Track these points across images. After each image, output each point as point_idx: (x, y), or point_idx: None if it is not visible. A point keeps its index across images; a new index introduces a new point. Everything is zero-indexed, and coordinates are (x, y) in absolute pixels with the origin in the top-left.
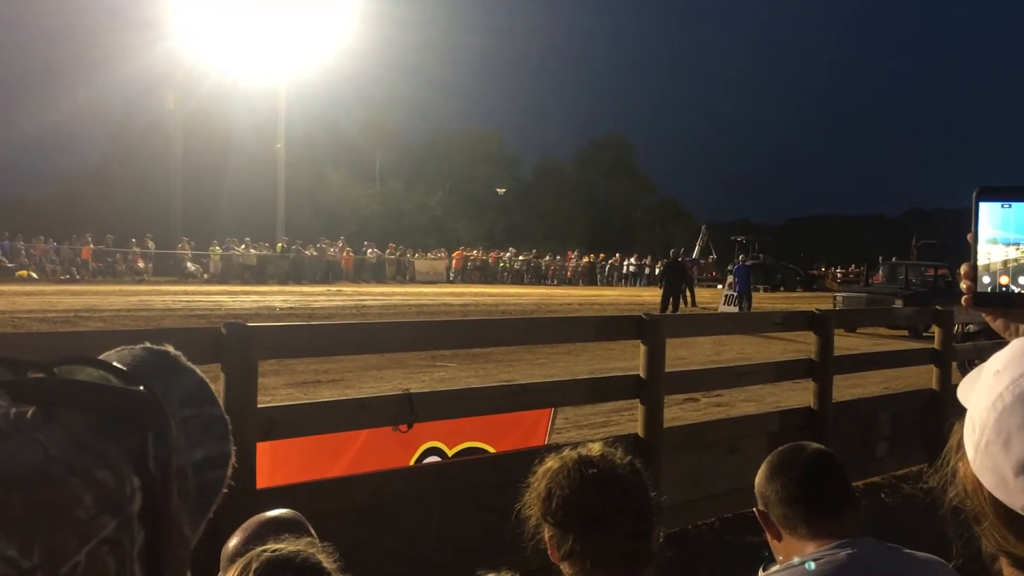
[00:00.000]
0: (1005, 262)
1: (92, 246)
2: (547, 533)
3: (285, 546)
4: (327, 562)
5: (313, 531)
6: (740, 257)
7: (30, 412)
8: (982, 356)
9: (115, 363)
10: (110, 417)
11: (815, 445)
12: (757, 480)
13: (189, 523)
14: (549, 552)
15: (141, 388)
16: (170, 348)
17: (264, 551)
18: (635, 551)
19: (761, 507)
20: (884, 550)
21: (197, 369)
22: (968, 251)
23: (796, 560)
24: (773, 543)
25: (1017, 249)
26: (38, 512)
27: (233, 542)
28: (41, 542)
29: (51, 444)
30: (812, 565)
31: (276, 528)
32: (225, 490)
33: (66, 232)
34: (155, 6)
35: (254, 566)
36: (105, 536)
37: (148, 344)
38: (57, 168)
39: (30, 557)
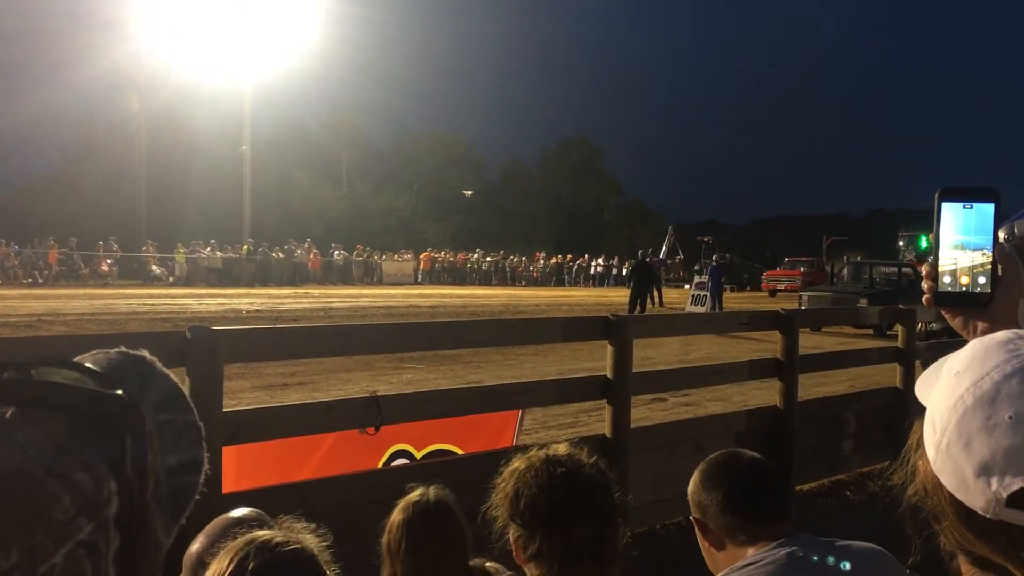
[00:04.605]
0: (971, 267)
1: (57, 249)
2: (513, 534)
3: (286, 537)
4: (319, 548)
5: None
6: (714, 257)
7: (9, 413)
8: (944, 354)
9: (91, 366)
10: (88, 420)
11: (750, 453)
12: (691, 488)
13: (163, 528)
14: (514, 553)
15: (119, 392)
16: (146, 353)
17: (263, 546)
18: (600, 551)
19: (697, 515)
20: (820, 544)
21: (172, 375)
22: (894, 248)
23: (751, 558)
24: (710, 551)
25: (983, 255)
26: (16, 512)
27: (196, 546)
28: (19, 543)
29: (30, 445)
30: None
31: (241, 528)
32: (197, 496)
33: (28, 235)
34: (119, 7)
35: (251, 564)
36: (82, 539)
37: (123, 348)
38: (19, 170)
39: (8, 557)
